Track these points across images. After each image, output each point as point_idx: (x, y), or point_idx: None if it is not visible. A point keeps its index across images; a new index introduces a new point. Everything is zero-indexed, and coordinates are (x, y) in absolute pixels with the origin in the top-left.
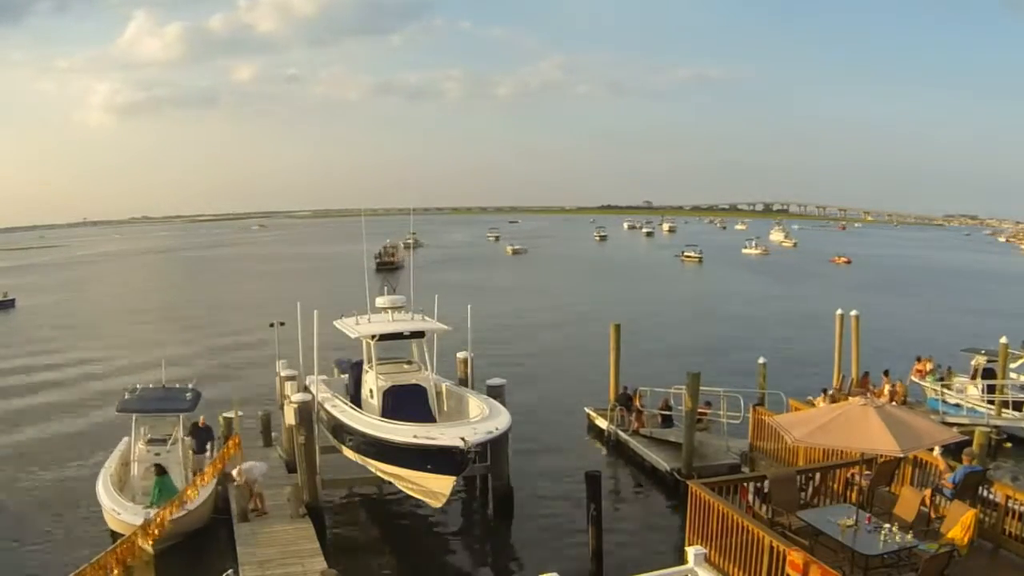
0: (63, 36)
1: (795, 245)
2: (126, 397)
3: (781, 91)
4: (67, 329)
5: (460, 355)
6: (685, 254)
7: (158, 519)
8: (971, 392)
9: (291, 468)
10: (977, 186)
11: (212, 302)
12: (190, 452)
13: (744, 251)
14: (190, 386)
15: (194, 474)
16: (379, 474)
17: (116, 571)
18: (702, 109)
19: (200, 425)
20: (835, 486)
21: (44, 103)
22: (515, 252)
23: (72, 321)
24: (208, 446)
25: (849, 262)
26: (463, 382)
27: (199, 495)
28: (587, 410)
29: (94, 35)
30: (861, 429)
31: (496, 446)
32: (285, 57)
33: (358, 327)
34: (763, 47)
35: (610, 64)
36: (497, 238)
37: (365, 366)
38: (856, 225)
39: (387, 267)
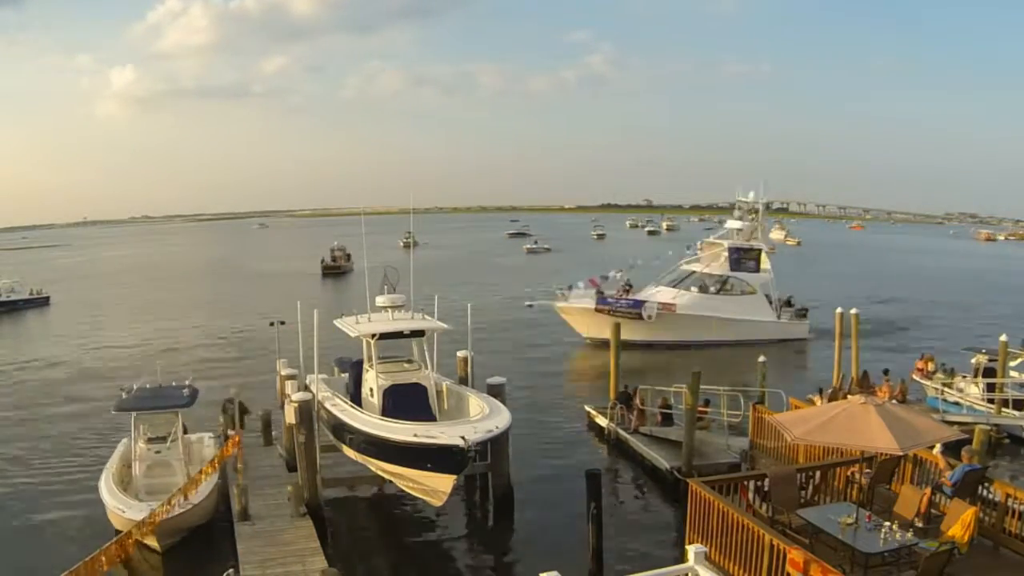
0: (68, 24)
1: (799, 243)
2: (123, 396)
3: (782, 90)
4: (98, 326)
5: (460, 354)
6: None
7: (156, 515)
8: (971, 391)
9: (291, 467)
10: (977, 184)
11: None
12: (190, 448)
13: None
14: (187, 383)
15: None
16: (379, 473)
17: (107, 567)
18: (703, 106)
19: None
20: (835, 484)
21: (47, 99)
22: (530, 251)
23: (103, 319)
24: None
25: None
26: (463, 381)
27: (201, 490)
28: (587, 408)
29: (103, 23)
30: (861, 427)
31: (496, 445)
32: (317, 45)
33: (358, 326)
34: (764, 47)
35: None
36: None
37: (365, 365)
38: (849, 224)
39: (335, 272)
